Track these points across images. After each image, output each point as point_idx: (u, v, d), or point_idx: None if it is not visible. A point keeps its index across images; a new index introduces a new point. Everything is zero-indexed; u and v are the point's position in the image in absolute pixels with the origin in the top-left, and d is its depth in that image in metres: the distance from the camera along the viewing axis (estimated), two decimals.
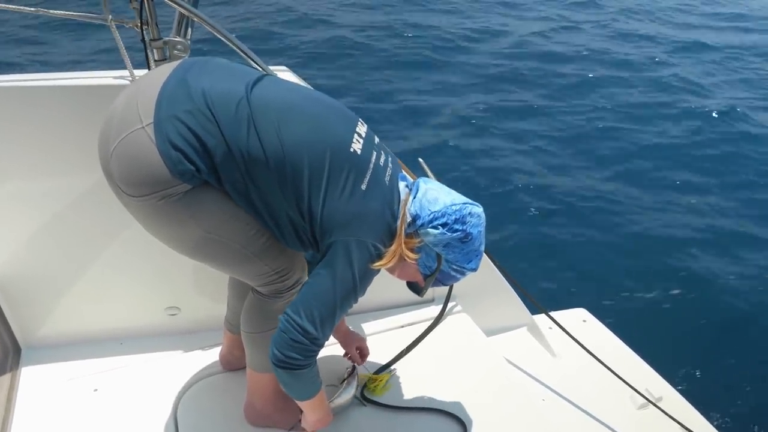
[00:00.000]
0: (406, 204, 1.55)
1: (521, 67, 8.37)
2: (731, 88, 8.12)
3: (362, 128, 1.54)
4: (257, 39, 8.48)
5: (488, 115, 6.95)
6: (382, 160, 1.55)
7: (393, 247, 1.52)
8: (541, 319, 2.57)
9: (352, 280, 1.46)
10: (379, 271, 1.53)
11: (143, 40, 1.78)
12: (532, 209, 5.22)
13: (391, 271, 1.62)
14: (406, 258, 1.54)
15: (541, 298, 2.49)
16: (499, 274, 2.45)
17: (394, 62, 8.26)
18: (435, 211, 1.51)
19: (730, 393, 3.51)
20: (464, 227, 1.52)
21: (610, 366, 2.28)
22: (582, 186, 5.63)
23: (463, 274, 1.61)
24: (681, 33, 10.26)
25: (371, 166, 1.50)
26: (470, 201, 1.57)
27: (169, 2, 1.70)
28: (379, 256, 1.50)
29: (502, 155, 6.13)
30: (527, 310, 2.61)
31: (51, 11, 1.77)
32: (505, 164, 5.96)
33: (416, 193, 1.56)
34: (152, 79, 1.42)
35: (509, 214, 5.10)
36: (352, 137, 1.49)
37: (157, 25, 1.79)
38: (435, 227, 1.51)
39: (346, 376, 1.98)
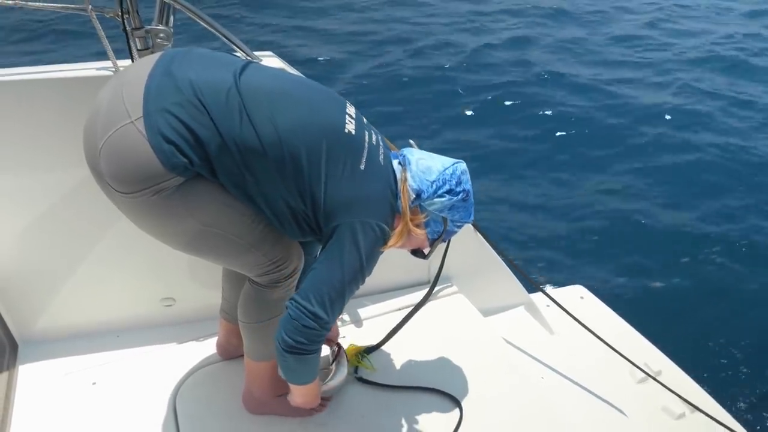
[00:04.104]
0: (405, 181, 1.56)
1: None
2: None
3: (351, 109, 1.55)
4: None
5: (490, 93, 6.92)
6: (374, 139, 1.56)
7: (399, 228, 1.55)
8: (538, 297, 2.57)
9: (359, 261, 1.46)
10: (382, 252, 1.54)
11: (125, 29, 1.76)
12: (529, 189, 5.20)
13: (400, 247, 1.65)
14: (414, 234, 1.57)
15: (537, 277, 2.49)
16: (495, 254, 2.44)
17: None
18: (434, 180, 1.55)
19: (728, 364, 3.52)
20: (463, 186, 1.58)
21: (608, 342, 2.28)
22: (577, 164, 5.62)
23: (461, 227, 1.68)
24: None
25: (366, 145, 1.50)
26: (452, 159, 1.63)
27: None
28: (384, 235, 1.50)
29: (497, 140, 6.12)
30: (524, 289, 2.61)
31: (29, 3, 1.74)
32: (499, 146, 5.94)
33: (410, 168, 1.57)
34: (136, 71, 1.39)
35: (505, 194, 5.09)
36: (345, 118, 1.49)
37: (138, 14, 1.76)
38: (441, 195, 1.56)
39: (333, 356, 1.97)
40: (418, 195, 1.55)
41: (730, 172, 5.52)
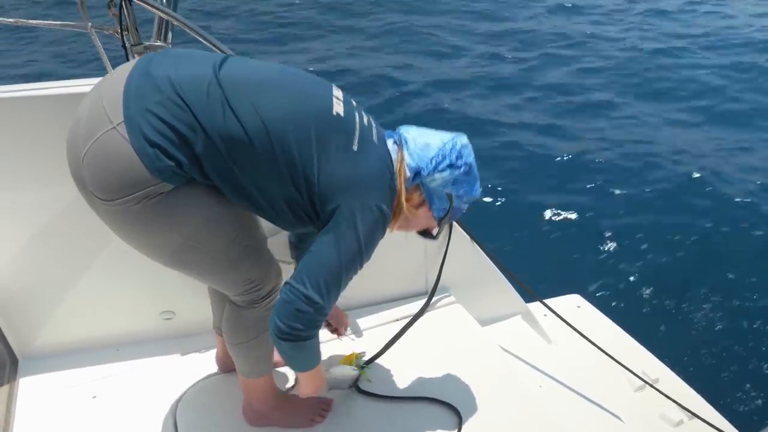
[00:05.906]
0: (402, 161, 1.53)
1: None
2: None
3: (339, 92, 1.52)
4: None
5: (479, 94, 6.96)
6: (365, 120, 1.53)
7: (395, 211, 1.53)
8: (535, 306, 2.58)
9: (357, 244, 1.43)
10: (383, 235, 1.51)
11: (124, 45, 1.78)
12: (525, 199, 5.22)
13: (404, 229, 1.63)
14: (411, 215, 1.55)
15: (534, 286, 2.50)
16: (492, 263, 2.46)
17: None
18: (434, 156, 1.52)
19: (725, 371, 3.53)
20: (464, 160, 1.54)
21: (606, 350, 2.29)
22: (571, 173, 5.65)
23: (469, 203, 1.65)
24: None
25: (357, 126, 1.47)
26: (453, 133, 1.59)
27: (149, 7, 1.70)
28: (384, 216, 1.47)
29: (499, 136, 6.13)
30: (521, 299, 2.62)
31: (30, 21, 1.77)
32: (499, 147, 5.97)
33: (407, 146, 1.55)
34: (114, 79, 1.37)
35: (502, 203, 5.11)
36: (332, 101, 1.46)
37: (137, 31, 1.79)
38: (442, 170, 1.52)
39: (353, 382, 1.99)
40: (418, 173, 1.52)
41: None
